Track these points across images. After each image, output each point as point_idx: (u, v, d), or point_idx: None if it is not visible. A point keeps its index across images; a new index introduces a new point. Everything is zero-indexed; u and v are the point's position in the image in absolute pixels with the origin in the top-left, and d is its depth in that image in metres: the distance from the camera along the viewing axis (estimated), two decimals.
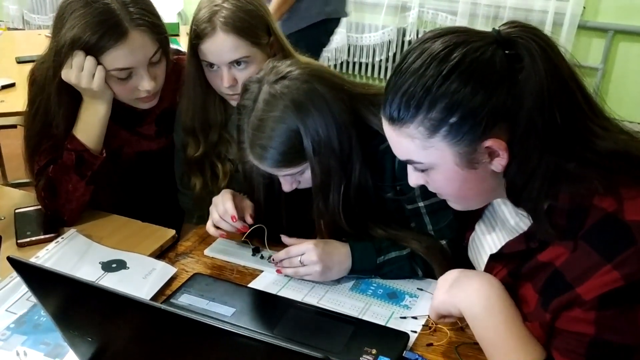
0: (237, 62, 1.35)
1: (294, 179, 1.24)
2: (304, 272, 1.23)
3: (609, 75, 3.49)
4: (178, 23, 3.33)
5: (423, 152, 0.90)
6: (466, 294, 0.98)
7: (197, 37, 1.35)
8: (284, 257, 1.26)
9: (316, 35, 2.96)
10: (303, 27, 2.87)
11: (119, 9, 1.26)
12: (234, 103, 1.44)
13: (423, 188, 1.02)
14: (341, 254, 1.25)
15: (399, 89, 0.88)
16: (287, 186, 1.25)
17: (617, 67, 3.47)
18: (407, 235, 1.27)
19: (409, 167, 0.98)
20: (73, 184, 1.39)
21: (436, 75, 0.85)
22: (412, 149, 0.91)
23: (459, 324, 1.11)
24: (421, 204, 1.26)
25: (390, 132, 0.93)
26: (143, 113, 1.52)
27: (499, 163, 0.89)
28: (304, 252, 1.23)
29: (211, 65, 1.37)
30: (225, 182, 1.52)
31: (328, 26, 3.01)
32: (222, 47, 1.33)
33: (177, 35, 3.01)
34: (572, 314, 0.85)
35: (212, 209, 1.33)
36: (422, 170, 0.95)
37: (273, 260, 1.28)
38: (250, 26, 1.35)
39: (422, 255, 1.25)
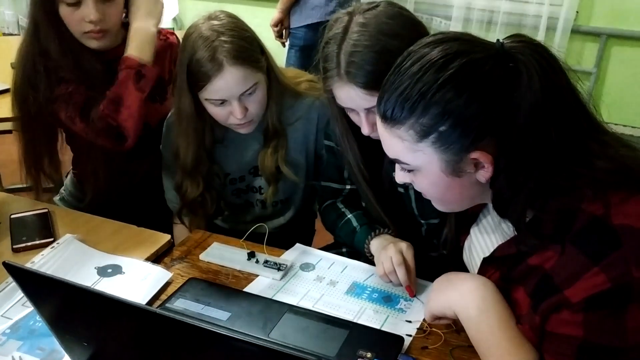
0: (247, 91, 1.35)
1: (376, 119, 1.21)
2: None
3: (602, 79, 3.51)
4: (173, 28, 3.34)
5: (411, 155, 0.92)
6: (461, 295, 0.99)
7: (203, 79, 1.32)
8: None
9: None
10: (310, 23, 2.87)
11: None
12: (243, 131, 1.44)
13: None
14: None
15: (395, 89, 0.89)
16: (367, 128, 1.21)
17: (610, 71, 3.48)
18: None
19: (397, 165, 0.99)
20: (134, 97, 1.45)
21: (432, 82, 0.85)
22: (400, 149, 0.93)
23: (454, 327, 1.11)
24: None
25: (382, 129, 0.95)
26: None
27: (483, 175, 0.90)
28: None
29: (220, 101, 1.36)
30: (213, 208, 1.55)
31: None
32: (232, 81, 1.32)
33: None
34: (560, 316, 0.85)
35: (383, 259, 1.26)
36: (409, 171, 0.96)
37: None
38: (252, 53, 1.36)
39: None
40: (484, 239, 1.10)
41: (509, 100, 0.85)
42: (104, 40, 1.48)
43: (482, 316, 0.96)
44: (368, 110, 1.19)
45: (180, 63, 1.36)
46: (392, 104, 0.90)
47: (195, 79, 1.34)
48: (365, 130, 1.21)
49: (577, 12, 3.38)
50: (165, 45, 1.65)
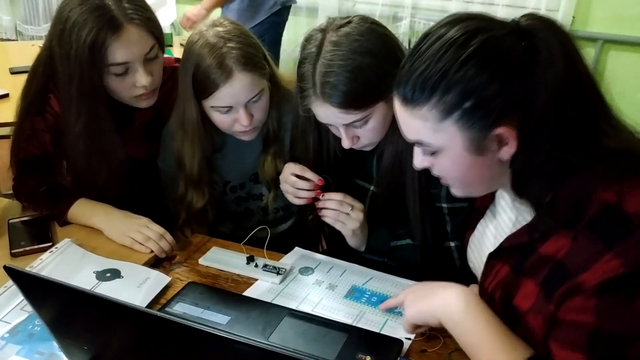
0: (253, 98, 1.35)
1: (355, 132, 1.22)
2: (344, 220, 1.29)
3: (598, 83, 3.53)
4: (171, 33, 3.34)
5: (433, 135, 0.91)
6: (444, 302, 0.99)
7: (210, 86, 1.31)
8: (339, 199, 1.29)
9: (275, 25, 3.13)
10: (263, 19, 3.01)
11: (113, 4, 1.30)
12: (246, 138, 1.44)
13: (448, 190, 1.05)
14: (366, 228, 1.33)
15: (415, 70, 0.89)
16: (347, 141, 1.22)
17: (607, 75, 3.50)
18: (416, 226, 1.31)
19: (416, 149, 0.99)
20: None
21: (454, 60, 0.85)
22: (422, 130, 0.92)
23: (428, 333, 1.11)
24: (444, 205, 1.30)
25: (402, 112, 0.94)
26: (135, 117, 1.54)
27: (507, 152, 0.90)
28: (354, 205, 1.29)
29: (226, 109, 1.36)
30: (214, 214, 1.55)
31: (284, 15, 3.17)
32: (240, 88, 1.32)
33: (171, 45, 3.03)
34: (572, 303, 0.84)
35: (285, 187, 1.36)
36: (431, 154, 0.96)
37: (321, 195, 1.31)
38: (259, 59, 1.36)
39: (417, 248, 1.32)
40: (492, 233, 1.10)
41: (531, 76, 0.85)
42: (153, 97, 1.44)
43: (468, 318, 0.96)
44: (347, 126, 1.21)
45: (185, 71, 1.35)
46: (412, 85, 0.89)
47: (202, 87, 1.33)
48: (346, 144, 1.23)
49: (573, 17, 3.40)
50: (173, 80, 1.50)
